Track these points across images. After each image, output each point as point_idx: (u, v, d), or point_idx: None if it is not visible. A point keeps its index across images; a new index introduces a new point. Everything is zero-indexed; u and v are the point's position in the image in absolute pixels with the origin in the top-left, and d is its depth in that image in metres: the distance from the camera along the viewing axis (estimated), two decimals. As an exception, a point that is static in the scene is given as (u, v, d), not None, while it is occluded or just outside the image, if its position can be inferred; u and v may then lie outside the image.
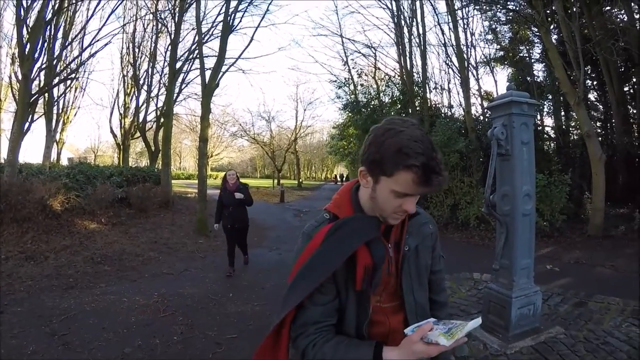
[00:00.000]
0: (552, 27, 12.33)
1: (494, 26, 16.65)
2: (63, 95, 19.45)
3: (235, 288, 6.08)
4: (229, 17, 12.75)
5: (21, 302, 5.20)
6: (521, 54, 16.26)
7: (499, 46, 17.15)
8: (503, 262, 4.01)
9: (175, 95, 17.54)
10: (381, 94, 20.97)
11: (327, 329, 1.23)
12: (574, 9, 9.94)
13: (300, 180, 44.88)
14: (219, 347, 4.08)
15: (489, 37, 17.11)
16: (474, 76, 16.38)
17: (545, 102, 14.96)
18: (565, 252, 8.24)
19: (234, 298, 5.72)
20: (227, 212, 6.95)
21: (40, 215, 8.60)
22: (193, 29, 18.51)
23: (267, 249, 9.41)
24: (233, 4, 13.42)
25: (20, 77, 10.80)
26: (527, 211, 3.98)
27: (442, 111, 18.07)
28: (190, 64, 19.89)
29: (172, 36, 15.08)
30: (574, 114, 12.08)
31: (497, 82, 24.56)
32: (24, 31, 10.25)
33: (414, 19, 17.18)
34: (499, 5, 14.05)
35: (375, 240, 1.26)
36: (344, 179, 50.29)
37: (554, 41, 11.44)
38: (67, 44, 16.19)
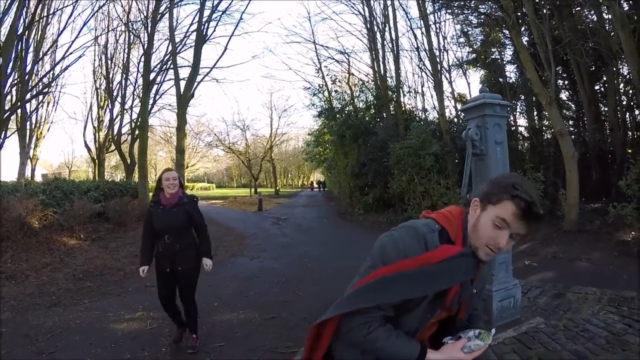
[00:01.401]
0: (522, 29, 12.66)
1: (465, 29, 17.06)
2: (36, 110, 19.14)
3: (219, 297, 6.05)
4: (202, 27, 12.82)
5: (5, 322, 5.10)
6: (493, 56, 16.63)
7: (471, 49, 17.55)
8: (482, 258, 4.12)
9: (149, 106, 17.43)
10: (355, 100, 21.17)
11: (383, 317, 1.37)
12: (544, 11, 10.21)
13: (277, 188, 45.04)
14: (207, 356, 4.08)
15: (461, 40, 17.54)
16: (447, 79, 16.76)
17: (518, 103, 15.30)
18: (542, 248, 8.46)
19: (218, 307, 5.70)
20: (161, 244, 3.89)
21: (18, 233, 8.45)
22: (166, 39, 18.47)
23: (248, 258, 9.38)
24: (206, 13, 13.48)
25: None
26: (504, 208, 4.10)
27: (417, 114, 18.37)
28: (164, 74, 19.81)
29: (145, 47, 15.03)
30: (546, 113, 12.40)
31: (470, 84, 24.76)
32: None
33: (387, 24, 17.48)
34: (470, 9, 14.36)
35: None
36: (321, 185, 50.52)
37: (525, 43, 11.72)
38: (38, 58, 15.95)
